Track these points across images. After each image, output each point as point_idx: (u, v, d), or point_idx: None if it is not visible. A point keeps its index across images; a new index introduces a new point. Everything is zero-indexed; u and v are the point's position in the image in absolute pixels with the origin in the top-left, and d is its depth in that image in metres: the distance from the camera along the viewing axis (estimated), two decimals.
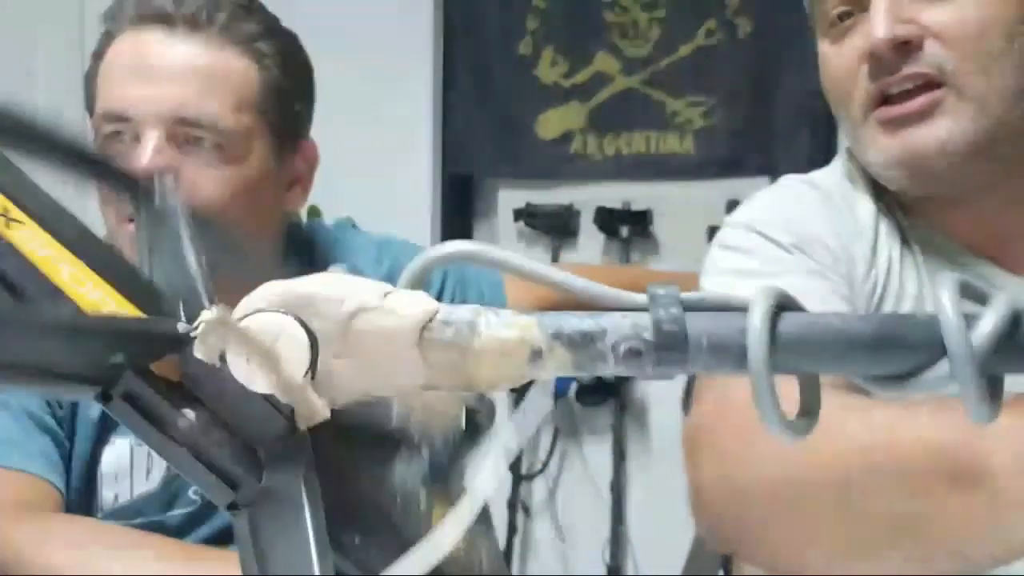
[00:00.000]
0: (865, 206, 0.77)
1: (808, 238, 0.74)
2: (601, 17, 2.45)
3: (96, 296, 0.28)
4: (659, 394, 2.39)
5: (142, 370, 0.27)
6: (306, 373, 0.27)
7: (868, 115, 0.73)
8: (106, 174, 0.36)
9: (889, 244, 0.76)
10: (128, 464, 0.82)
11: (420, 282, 0.32)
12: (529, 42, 2.49)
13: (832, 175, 0.81)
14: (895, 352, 0.30)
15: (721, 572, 1.21)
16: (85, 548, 0.67)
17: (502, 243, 2.58)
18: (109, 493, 0.81)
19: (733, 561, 1.18)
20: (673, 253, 2.43)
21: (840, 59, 0.74)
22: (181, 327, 0.28)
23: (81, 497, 0.80)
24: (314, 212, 1.95)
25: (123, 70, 0.80)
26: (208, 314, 0.27)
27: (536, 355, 0.29)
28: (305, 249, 0.98)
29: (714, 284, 0.75)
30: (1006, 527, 0.44)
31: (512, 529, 2.38)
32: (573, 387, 2.36)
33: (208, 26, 0.81)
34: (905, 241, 0.77)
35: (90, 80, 0.85)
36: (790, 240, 0.74)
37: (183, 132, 0.79)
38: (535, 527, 2.50)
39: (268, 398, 0.27)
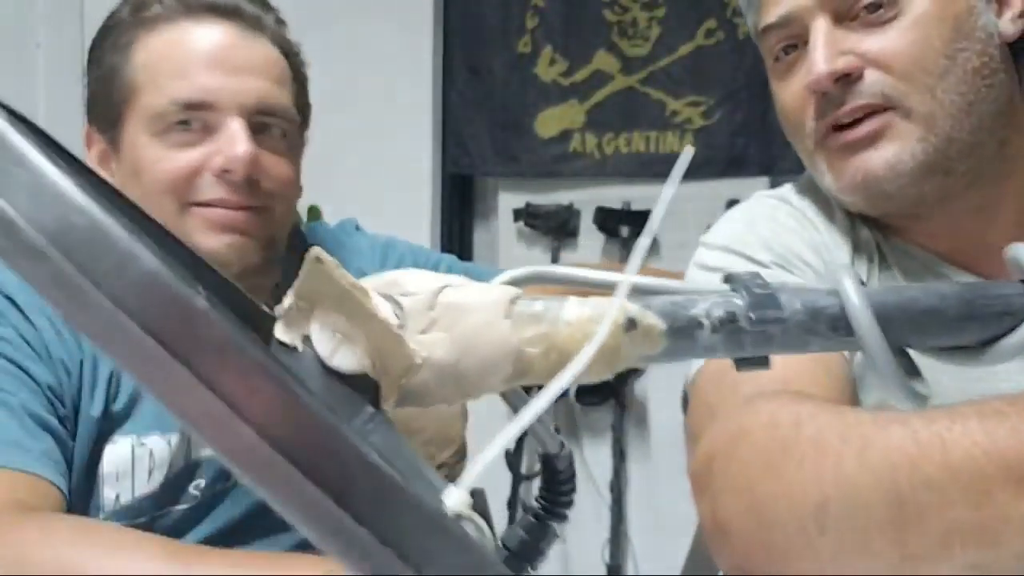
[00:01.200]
0: (839, 221, 0.78)
1: (787, 255, 0.74)
2: (600, 16, 2.45)
3: None
4: (659, 394, 2.40)
5: None
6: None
7: (820, 145, 0.73)
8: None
9: (866, 257, 0.76)
10: (130, 464, 0.81)
11: None
12: (528, 41, 2.49)
13: (804, 191, 0.81)
14: (985, 309, 0.29)
15: (721, 572, 1.21)
16: (86, 548, 0.67)
17: (502, 243, 2.58)
18: (110, 493, 0.80)
19: None
20: (673, 253, 2.43)
21: (788, 94, 0.75)
22: (265, 307, 0.27)
23: (82, 496, 0.79)
24: (314, 212, 1.95)
25: (203, 60, 0.82)
26: (296, 286, 0.26)
27: (630, 324, 0.28)
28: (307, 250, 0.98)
29: None
30: None
31: None
32: (573, 387, 2.36)
33: (266, 26, 0.86)
34: (881, 253, 0.77)
35: (117, 71, 0.84)
36: (770, 258, 0.74)
37: (259, 121, 0.83)
38: None
39: (351, 382, 0.26)
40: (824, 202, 0.79)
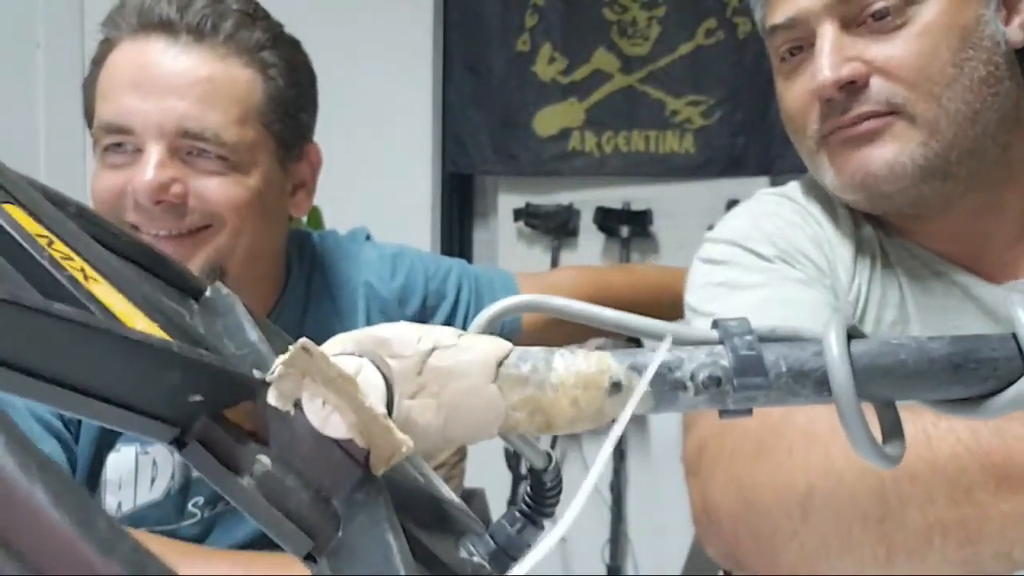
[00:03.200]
0: (842, 218, 0.78)
1: (791, 250, 0.75)
2: (600, 15, 2.45)
3: None
4: None
5: (218, 414, 0.27)
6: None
7: (822, 144, 0.74)
8: (163, 272, 0.35)
9: (869, 254, 0.77)
10: (133, 472, 0.81)
11: (491, 330, 0.32)
12: (527, 39, 2.49)
13: (807, 189, 0.82)
14: (973, 374, 0.29)
15: (721, 572, 1.21)
16: None
17: (502, 243, 2.58)
18: (112, 500, 0.80)
19: None
20: (673, 253, 2.43)
21: (792, 96, 0.75)
22: (257, 373, 0.28)
23: None
24: (314, 213, 1.94)
25: (125, 81, 0.79)
26: (284, 359, 0.27)
27: (615, 387, 0.29)
28: (316, 261, 0.97)
29: (700, 298, 0.75)
30: None
31: None
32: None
33: (213, 36, 0.80)
34: (884, 251, 0.77)
35: (89, 88, 0.83)
36: (773, 252, 0.75)
37: (186, 144, 0.79)
38: None
39: (342, 445, 0.27)
40: (827, 200, 0.80)
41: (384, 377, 0.28)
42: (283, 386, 0.27)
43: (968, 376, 0.29)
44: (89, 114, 0.84)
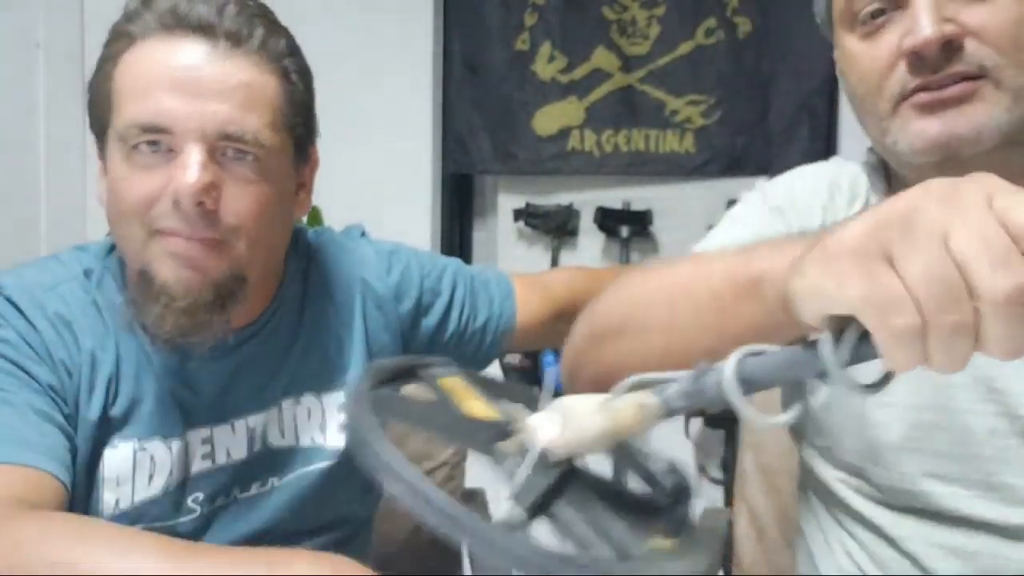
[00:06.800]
0: (863, 192, 0.83)
1: (793, 207, 0.83)
2: (599, 13, 2.46)
3: None
4: None
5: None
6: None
7: (900, 105, 0.74)
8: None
9: None
10: (131, 469, 0.81)
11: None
12: (527, 38, 2.49)
13: (854, 169, 0.87)
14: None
15: (721, 572, 1.21)
16: (83, 546, 0.67)
17: (502, 243, 2.58)
18: (110, 497, 0.80)
19: (733, 561, 1.18)
20: (673, 253, 2.43)
21: (873, 55, 0.76)
22: (505, 426, 0.45)
23: (81, 500, 0.79)
24: (314, 212, 1.95)
25: (163, 81, 0.79)
26: (518, 423, 0.45)
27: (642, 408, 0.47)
28: (312, 258, 0.97)
29: (718, 226, 0.86)
30: (776, 320, 0.56)
31: None
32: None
33: (248, 42, 0.81)
34: None
35: (103, 83, 0.82)
36: (776, 203, 0.84)
37: (223, 146, 0.79)
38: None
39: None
40: (865, 178, 0.85)
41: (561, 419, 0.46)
42: (517, 437, 0.45)
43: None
44: (99, 110, 0.83)
